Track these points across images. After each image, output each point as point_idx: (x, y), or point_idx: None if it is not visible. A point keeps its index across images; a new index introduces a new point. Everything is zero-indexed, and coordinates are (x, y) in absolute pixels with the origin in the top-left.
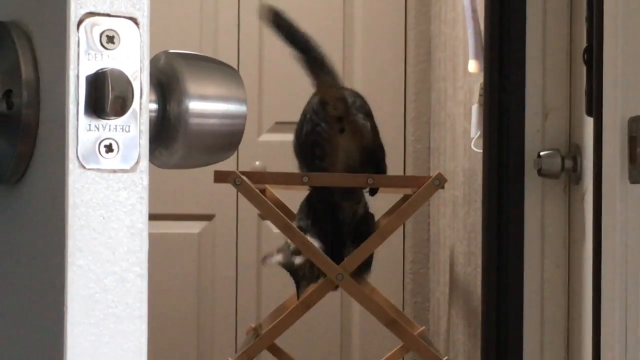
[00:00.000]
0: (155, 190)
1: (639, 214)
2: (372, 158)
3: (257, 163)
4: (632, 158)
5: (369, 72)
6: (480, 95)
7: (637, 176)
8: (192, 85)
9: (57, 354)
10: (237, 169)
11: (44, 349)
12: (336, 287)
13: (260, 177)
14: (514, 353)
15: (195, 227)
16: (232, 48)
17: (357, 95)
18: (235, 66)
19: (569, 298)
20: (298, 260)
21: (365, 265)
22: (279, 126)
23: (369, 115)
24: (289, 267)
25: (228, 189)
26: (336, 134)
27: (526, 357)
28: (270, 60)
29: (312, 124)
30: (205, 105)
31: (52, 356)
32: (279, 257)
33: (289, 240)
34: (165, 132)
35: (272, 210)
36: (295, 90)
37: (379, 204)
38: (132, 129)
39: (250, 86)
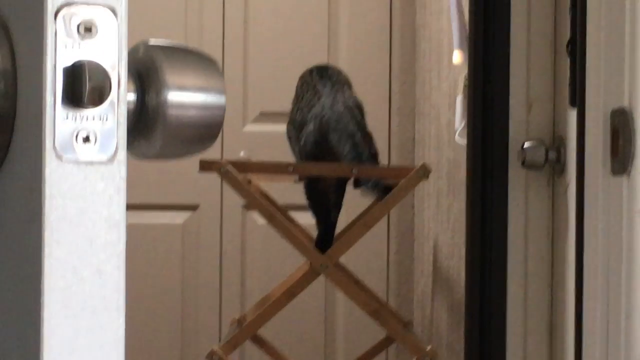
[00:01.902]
0: (138, 180)
1: (620, 205)
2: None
3: (241, 153)
4: (614, 151)
5: (354, 63)
6: (464, 86)
7: (619, 168)
8: (171, 76)
9: (34, 346)
10: (222, 159)
11: (21, 341)
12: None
13: (246, 166)
14: (497, 344)
15: (179, 217)
16: (217, 38)
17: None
18: (220, 57)
19: (552, 290)
20: None
21: None
22: (264, 116)
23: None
24: None
25: (212, 179)
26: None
27: (509, 348)
28: (255, 51)
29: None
30: (184, 96)
31: (29, 348)
32: None
33: None
34: (144, 123)
35: (257, 200)
36: (281, 80)
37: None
38: (109, 120)
39: (235, 76)
